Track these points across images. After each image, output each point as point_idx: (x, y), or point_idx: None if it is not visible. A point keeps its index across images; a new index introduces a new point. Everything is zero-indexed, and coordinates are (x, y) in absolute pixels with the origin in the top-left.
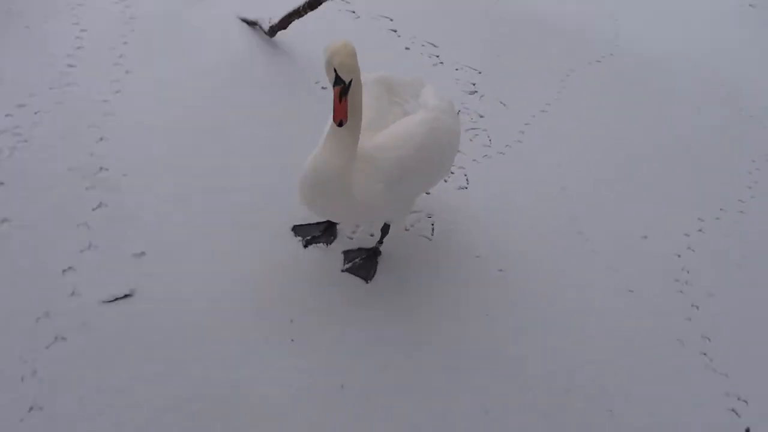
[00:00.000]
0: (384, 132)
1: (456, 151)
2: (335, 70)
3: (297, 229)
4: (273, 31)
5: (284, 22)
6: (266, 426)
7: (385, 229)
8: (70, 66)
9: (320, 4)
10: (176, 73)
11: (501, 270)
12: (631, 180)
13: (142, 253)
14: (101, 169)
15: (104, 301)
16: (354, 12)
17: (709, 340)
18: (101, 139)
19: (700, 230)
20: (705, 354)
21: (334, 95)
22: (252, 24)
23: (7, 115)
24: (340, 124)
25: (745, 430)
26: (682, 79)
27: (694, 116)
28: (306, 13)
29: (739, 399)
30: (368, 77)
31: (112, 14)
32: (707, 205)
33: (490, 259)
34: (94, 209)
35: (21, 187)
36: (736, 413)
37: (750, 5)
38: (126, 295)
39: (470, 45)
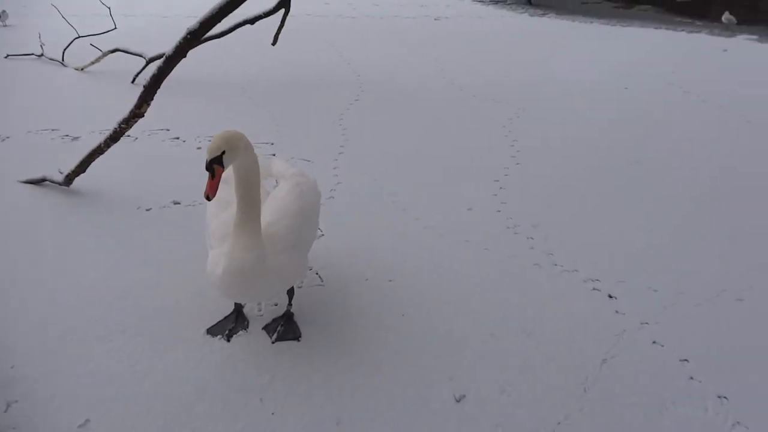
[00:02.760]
0: (264, 210)
1: (319, 201)
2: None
3: (212, 330)
4: (69, 179)
5: (84, 166)
6: None
7: (291, 292)
8: None
9: (123, 134)
10: (6, 261)
11: (391, 280)
12: (436, 175)
13: (87, 421)
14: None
15: None
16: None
17: (552, 254)
18: None
19: (501, 188)
20: (556, 264)
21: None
22: (39, 182)
23: None
24: (207, 199)
25: (607, 295)
26: (414, 84)
27: (442, 109)
28: (108, 147)
29: (593, 280)
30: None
31: None
32: (495, 168)
33: (377, 276)
34: (5, 411)
35: None
36: (598, 290)
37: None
38: None
39: (250, 122)
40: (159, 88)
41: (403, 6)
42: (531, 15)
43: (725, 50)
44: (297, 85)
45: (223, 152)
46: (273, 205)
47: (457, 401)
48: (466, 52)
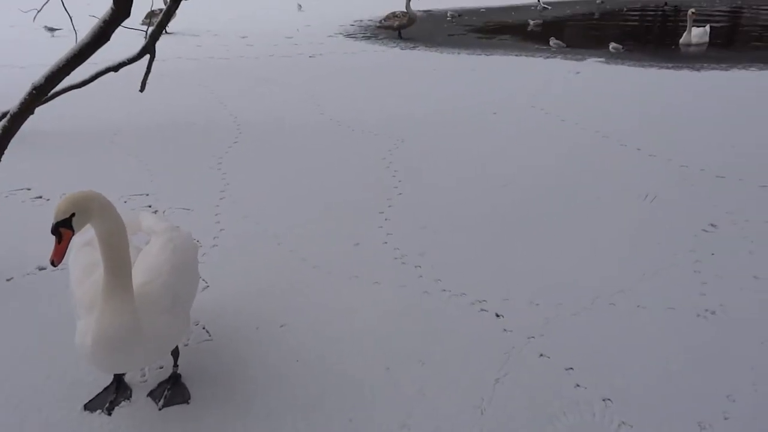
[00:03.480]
0: (135, 269)
1: (196, 255)
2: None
3: (90, 405)
4: None
5: None
6: None
7: (176, 352)
8: None
9: None
10: None
11: (282, 325)
12: (320, 212)
13: None
14: None
15: None
16: None
17: (440, 281)
18: None
19: (386, 219)
20: (445, 290)
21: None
22: None
23: None
24: (53, 264)
25: (494, 314)
26: (292, 123)
27: (321, 145)
28: None
29: (480, 302)
30: (86, 237)
31: None
32: (378, 200)
33: (267, 323)
34: None
35: None
36: (485, 310)
37: None
38: None
39: (121, 173)
40: (6, 148)
41: (276, 45)
42: (402, 49)
43: (578, 72)
44: (171, 131)
45: (73, 214)
46: (145, 264)
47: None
48: (343, 88)
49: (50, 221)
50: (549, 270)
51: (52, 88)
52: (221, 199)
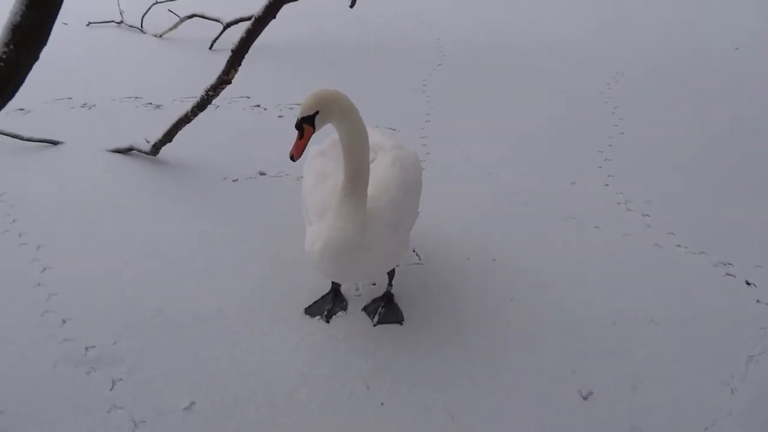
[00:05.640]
0: None
1: (421, 176)
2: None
3: (310, 310)
4: (156, 148)
5: (171, 135)
6: None
7: (391, 271)
8: None
9: (210, 102)
10: (97, 235)
11: (494, 260)
12: (531, 146)
13: (192, 403)
14: (87, 348)
15: None
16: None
17: (673, 234)
18: (64, 321)
19: (606, 159)
20: (679, 245)
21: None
22: (126, 151)
23: None
24: (292, 159)
25: (744, 282)
26: (497, 48)
27: (530, 74)
28: (195, 116)
29: (725, 264)
30: (320, 147)
31: None
32: (597, 138)
33: (478, 255)
34: (111, 389)
35: (20, 410)
36: (732, 275)
37: None
38: None
39: (329, 87)
40: (247, 52)
41: None
42: None
43: None
44: (376, 48)
45: (317, 112)
46: (374, 179)
47: (584, 398)
48: (552, 11)
49: (267, 129)
50: None
51: None
52: (426, 122)
